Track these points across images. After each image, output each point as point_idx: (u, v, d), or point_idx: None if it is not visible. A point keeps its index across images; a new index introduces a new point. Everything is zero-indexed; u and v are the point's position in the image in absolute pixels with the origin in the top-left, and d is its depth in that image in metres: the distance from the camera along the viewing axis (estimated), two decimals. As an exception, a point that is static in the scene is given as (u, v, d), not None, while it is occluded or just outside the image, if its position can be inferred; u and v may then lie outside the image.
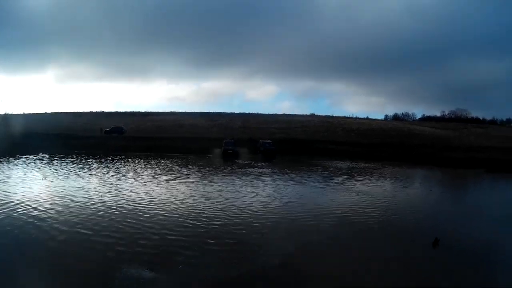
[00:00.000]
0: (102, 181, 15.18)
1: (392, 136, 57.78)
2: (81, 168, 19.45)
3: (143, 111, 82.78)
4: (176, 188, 14.42)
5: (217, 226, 9.00)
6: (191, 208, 10.82)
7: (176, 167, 21.74)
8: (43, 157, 24.23)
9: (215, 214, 10.14)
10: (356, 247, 7.97)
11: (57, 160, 22.95)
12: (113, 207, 10.37)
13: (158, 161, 24.94)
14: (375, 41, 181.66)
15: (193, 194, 13.22)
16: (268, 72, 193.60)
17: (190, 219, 9.48)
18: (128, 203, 11.05)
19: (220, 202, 11.80)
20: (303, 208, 11.65)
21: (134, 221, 9.09)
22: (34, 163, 20.95)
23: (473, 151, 43.72)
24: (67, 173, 17.19)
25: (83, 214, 9.49)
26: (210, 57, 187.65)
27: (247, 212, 10.58)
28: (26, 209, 9.69)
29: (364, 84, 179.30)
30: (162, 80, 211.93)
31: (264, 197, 12.97)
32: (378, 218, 10.69)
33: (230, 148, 33.80)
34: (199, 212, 10.26)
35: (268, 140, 38.07)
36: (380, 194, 14.89)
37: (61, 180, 15.06)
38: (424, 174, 24.18)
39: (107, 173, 17.74)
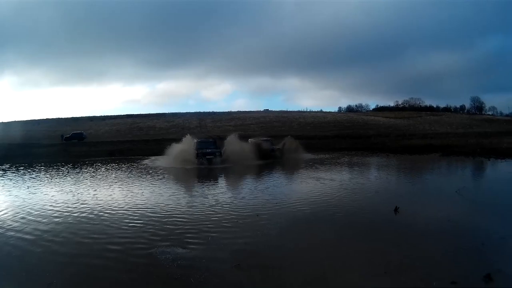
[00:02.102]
0: (86, 187, 15.77)
1: (347, 128, 61.55)
2: (55, 176, 19.93)
3: (100, 115, 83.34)
4: (158, 190, 15.05)
5: (218, 215, 10.20)
6: (184, 206, 11.69)
7: (149, 170, 22.58)
8: (9, 168, 24.39)
9: (209, 210, 11.07)
10: (338, 217, 9.90)
11: (23, 169, 23.27)
12: (109, 210, 11.06)
13: (126, 165, 25.78)
14: (329, 36, 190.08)
15: (179, 194, 14.16)
16: (223, 71, 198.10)
17: (186, 214, 10.47)
18: (119, 206, 11.68)
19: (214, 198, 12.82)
20: (287, 195, 13.63)
21: (132, 221, 9.69)
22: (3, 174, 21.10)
23: (428, 137, 47.41)
24: (44, 182, 17.61)
25: (82, 220, 9.99)
26: (164, 58, 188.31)
27: (242, 202, 12.07)
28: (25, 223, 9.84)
29: (318, 78, 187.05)
30: (117, 83, 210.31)
31: (252, 193, 14.12)
32: (348, 196, 12.77)
33: (209, 151, 24.80)
34: (193, 209, 11.29)
35: (266, 138, 32.14)
36: (345, 179, 17.03)
37: (43, 189, 15.51)
38: (381, 160, 26.61)
39: (84, 179, 18.53)
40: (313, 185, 15.20)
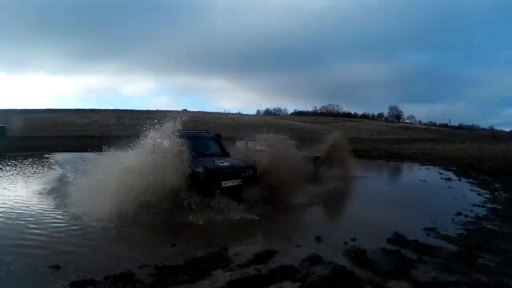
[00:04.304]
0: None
1: (262, 131, 63.62)
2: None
3: (20, 108, 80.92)
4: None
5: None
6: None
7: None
8: None
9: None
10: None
11: None
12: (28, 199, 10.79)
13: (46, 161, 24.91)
14: (256, 40, 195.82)
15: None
16: (146, 68, 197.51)
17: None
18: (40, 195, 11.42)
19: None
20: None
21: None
22: None
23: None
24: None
25: None
26: (89, 51, 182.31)
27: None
28: None
29: (240, 81, 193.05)
30: (40, 74, 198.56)
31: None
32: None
33: (226, 165, 10.18)
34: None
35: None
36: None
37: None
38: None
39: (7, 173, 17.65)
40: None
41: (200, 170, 9.35)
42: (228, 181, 9.72)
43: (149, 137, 10.37)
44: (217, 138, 12.93)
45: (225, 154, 12.05)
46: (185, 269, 5.48)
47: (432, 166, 23.36)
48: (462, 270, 5.66)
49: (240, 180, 9.98)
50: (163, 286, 4.96)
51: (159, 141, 10.07)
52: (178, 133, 10.10)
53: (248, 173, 10.30)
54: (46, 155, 20.57)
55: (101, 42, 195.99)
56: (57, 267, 5.49)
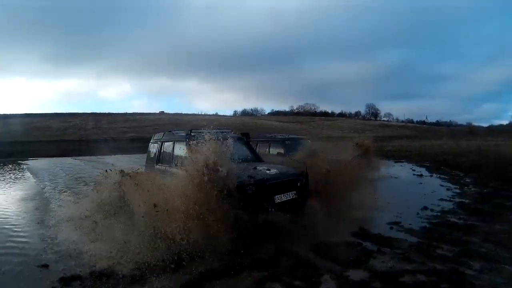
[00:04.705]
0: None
1: (240, 130, 64.14)
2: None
3: None
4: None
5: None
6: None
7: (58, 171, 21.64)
8: None
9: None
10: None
11: None
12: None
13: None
14: (232, 40, 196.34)
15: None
16: (123, 71, 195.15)
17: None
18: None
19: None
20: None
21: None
22: None
23: (315, 140, 50.97)
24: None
25: None
26: (66, 54, 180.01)
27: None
28: None
29: (217, 82, 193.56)
30: (20, 78, 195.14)
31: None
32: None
33: (274, 173, 7.74)
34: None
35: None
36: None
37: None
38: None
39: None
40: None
41: (245, 180, 6.92)
42: (282, 195, 7.47)
43: (154, 138, 10.86)
44: (245, 139, 10.43)
45: (258, 159, 9.83)
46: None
47: (407, 163, 24.11)
48: (419, 260, 6.08)
49: (295, 192, 7.79)
50: (143, 278, 5.47)
51: (168, 145, 9.49)
52: (193, 134, 8.47)
53: (301, 183, 8.12)
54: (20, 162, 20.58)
55: (78, 45, 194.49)
56: (45, 266, 6.10)
